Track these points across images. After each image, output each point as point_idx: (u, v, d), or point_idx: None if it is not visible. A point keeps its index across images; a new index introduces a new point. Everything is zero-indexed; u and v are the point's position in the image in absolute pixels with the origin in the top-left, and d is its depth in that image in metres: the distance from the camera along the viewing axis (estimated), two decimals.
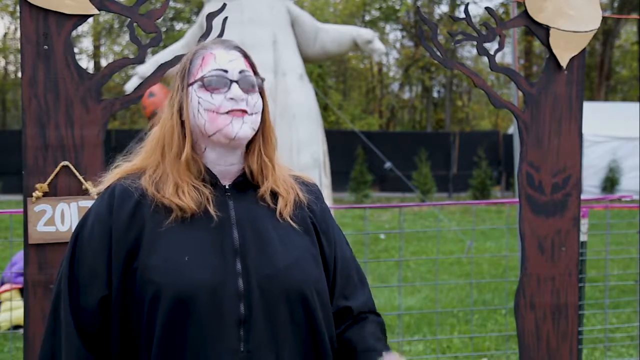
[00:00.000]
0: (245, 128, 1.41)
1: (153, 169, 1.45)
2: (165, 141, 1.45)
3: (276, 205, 1.46)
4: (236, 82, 1.42)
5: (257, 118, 1.45)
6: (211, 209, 1.40)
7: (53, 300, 1.42)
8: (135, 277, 1.35)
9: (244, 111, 1.41)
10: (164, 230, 1.37)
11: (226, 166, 1.46)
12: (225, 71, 1.42)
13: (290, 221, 1.46)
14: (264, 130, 1.48)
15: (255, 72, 1.48)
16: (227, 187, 1.46)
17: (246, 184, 1.47)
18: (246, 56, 1.48)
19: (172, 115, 1.45)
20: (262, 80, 1.47)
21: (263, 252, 1.40)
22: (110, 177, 1.48)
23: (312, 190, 1.57)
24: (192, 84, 1.44)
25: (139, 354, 1.36)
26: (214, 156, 1.45)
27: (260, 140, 1.48)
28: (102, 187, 1.48)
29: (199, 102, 1.42)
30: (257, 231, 1.42)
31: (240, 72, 1.44)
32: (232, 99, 1.40)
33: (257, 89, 1.45)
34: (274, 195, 1.48)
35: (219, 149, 1.44)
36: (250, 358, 1.34)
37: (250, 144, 1.48)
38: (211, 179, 1.45)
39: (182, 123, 1.44)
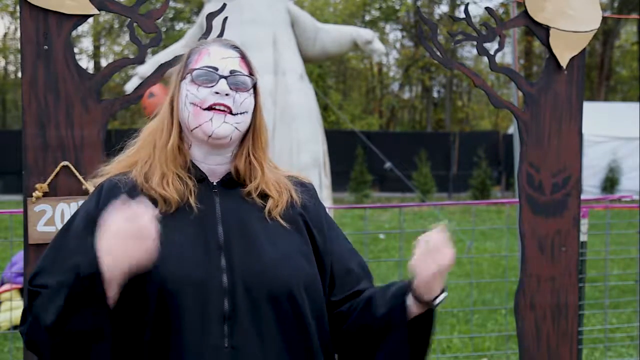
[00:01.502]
0: (225, 127, 1.41)
1: (144, 160, 1.46)
2: (156, 133, 1.47)
3: (264, 204, 1.46)
4: (225, 78, 1.42)
5: (245, 118, 1.44)
6: (192, 200, 1.40)
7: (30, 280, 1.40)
8: None
9: (228, 108, 1.41)
10: None
11: (212, 165, 1.47)
12: (216, 69, 1.43)
13: (280, 220, 1.45)
14: (253, 131, 1.48)
15: (251, 74, 1.47)
16: (214, 183, 1.46)
17: (234, 182, 1.47)
18: (244, 57, 1.48)
19: (166, 106, 1.47)
20: (255, 81, 1.47)
21: (248, 248, 1.39)
22: (104, 173, 1.50)
23: (307, 189, 1.56)
24: (184, 77, 1.46)
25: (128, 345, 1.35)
26: (199, 154, 1.46)
27: (250, 141, 1.48)
28: (96, 182, 1.50)
29: (186, 95, 1.43)
30: (243, 228, 1.41)
31: (232, 71, 1.44)
32: (217, 93, 1.41)
33: (248, 88, 1.45)
34: (264, 196, 1.47)
35: (202, 146, 1.45)
36: (235, 354, 1.34)
37: (241, 144, 1.48)
38: (199, 175, 1.45)
39: (173, 115, 1.46)
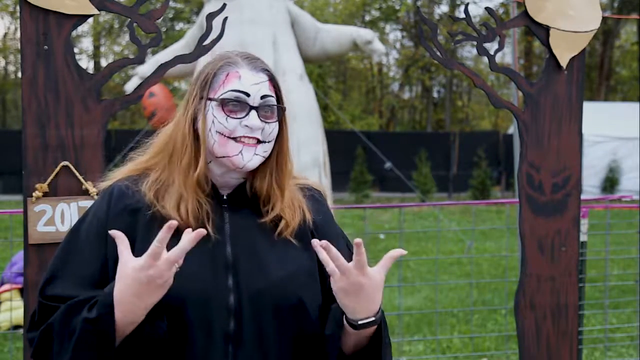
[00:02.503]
0: (255, 159, 1.37)
1: (158, 172, 1.42)
2: (174, 147, 1.40)
3: (275, 224, 1.42)
4: (256, 109, 1.37)
5: (270, 145, 1.41)
6: (209, 228, 1.36)
7: (41, 287, 1.36)
8: None
9: (258, 140, 1.37)
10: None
11: (227, 179, 1.43)
12: (248, 95, 1.37)
13: (289, 238, 1.42)
14: (278, 157, 1.44)
15: (279, 97, 1.42)
16: (224, 197, 1.43)
17: (244, 197, 1.44)
18: (272, 79, 1.42)
19: (185, 122, 1.40)
20: (284, 109, 1.43)
21: (256, 267, 1.36)
22: (113, 177, 1.46)
23: (318, 202, 1.53)
24: (211, 99, 1.39)
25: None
26: (217, 171, 1.42)
27: (274, 166, 1.43)
28: (104, 185, 1.46)
29: (212, 122, 1.37)
30: (251, 246, 1.39)
31: (263, 97, 1.38)
32: (247, 126, 1.36)
33: (276, 116, 1.40)
34: (277, 217, 1.43)
35: (223, 169, 1.41)
36: None
37: (262, 165, 1.43)
38: (211, 189, 1.42)
39: (196, 133, 1.39)
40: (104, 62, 28.51)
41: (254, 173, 1.44)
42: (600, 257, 6.35)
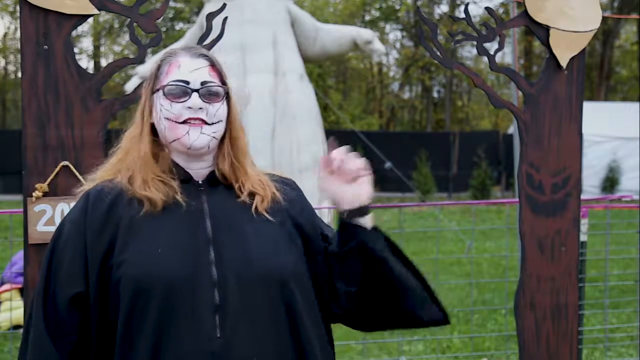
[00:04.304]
0: (202, 138, 1.44)
1: (127, 166, 1.49)
2: (134, 141, 1.49)
3: (251, 201, 1.49)
4: (197, 91, 1.45)
5: (220, 127, 1.48)
6: (179, 197, 1.43)
7: (28, 313, 1.44)
8: (111, 273, 1.38)
9: (203, 121, 1.44)
10: (136, 224, 1.40)
11: (195, 170, 1.50)
12: (187, 82, 1.45)
13: (265, 214, 1.49)
14: (230, 137, 1.51)
15: (223, 81, 1.50)
16: (200, 182, 1.49)
17: (218, 181, 1.51)
18: (213, 64, 1.50)
19: (140, 117, 1.50)
20: (227, 90, 1.50)
21: (237, 241, 1.43)
22: (86, 185, 1.52)
23: (289, 185, 1.61)
24: (156, 91, 1.48)
25: (116, 346, 1.38)
26: (180, 161, 1.49)
27: (228, 144, 1.51)
28: (79, 194, 1.52)
29: (160, 110, 1.46)
30: (230, 222, 1.45)
31: (203, 83, 1.46)
32: (190, 107, 1.43)
33: (221, 97, 1.48)
34: (250, 193, 1.51)
35: (182, 155, 1.48)
36: (226, 344, 1.36)
37: (221, 148, 1.51)
38: (184, 176, 1.48)
39: (143, 124, 1.49)
40: (104, 62, 28.50)
41: (216, 159, 1.51)
42: (600, 257, 6.34)
